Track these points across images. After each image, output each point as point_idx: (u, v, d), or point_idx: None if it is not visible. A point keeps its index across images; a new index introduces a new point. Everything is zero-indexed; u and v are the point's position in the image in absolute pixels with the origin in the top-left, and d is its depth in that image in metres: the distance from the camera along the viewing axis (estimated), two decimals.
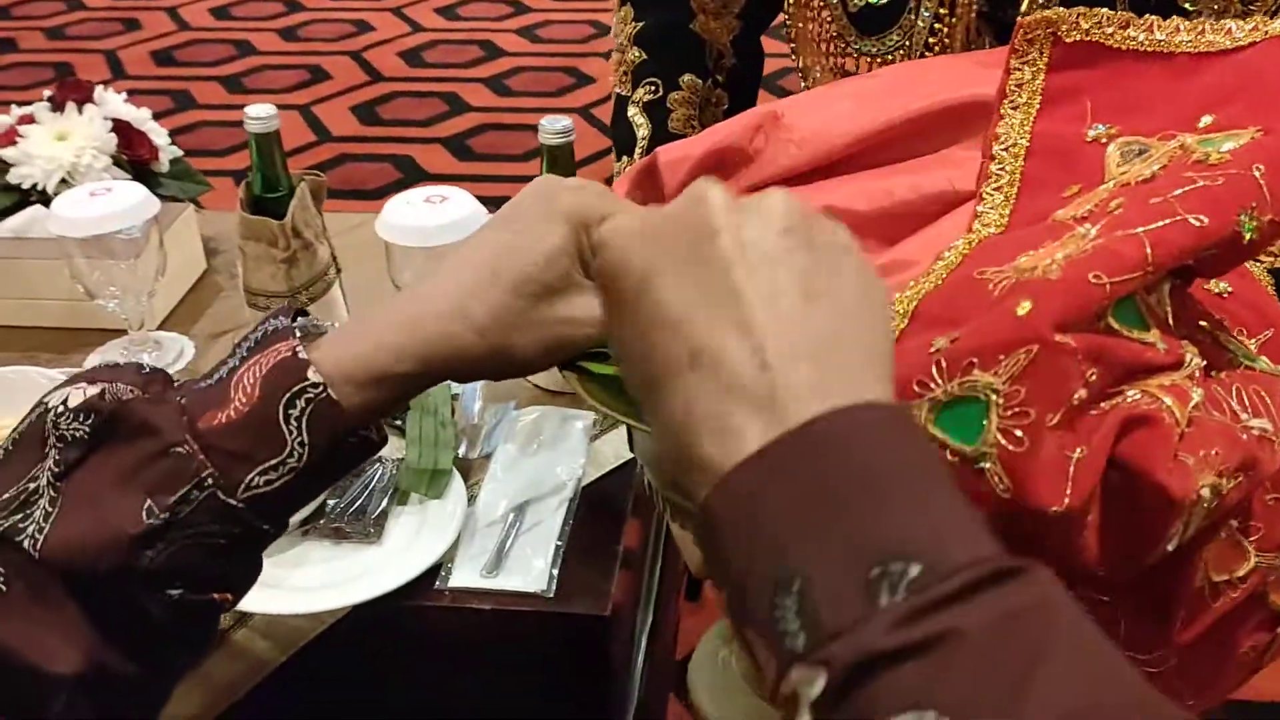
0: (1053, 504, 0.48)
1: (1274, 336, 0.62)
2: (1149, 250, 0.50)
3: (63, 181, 1.16)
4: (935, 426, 0.48)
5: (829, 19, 0.91)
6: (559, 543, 0.85)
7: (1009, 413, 0.47)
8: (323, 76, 3.18)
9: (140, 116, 1.24)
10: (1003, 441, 0.47)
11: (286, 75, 3.19)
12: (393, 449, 0.93)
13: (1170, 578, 0.53)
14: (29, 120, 1.20)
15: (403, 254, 0.94)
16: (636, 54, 1.02)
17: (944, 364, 0.48)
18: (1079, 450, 0.48)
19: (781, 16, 0.99)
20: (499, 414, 0.98)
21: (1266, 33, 0.61)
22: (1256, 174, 0.53)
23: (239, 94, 3.06)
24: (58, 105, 1.20)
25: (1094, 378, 0.49)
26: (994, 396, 0.47)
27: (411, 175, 2.64)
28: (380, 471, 0.91)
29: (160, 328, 1.13)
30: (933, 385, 0.48)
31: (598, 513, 0.89)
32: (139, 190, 1.04)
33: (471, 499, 0.89)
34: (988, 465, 0.47)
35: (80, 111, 1.20)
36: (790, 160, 0.68)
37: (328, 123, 2.89)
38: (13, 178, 1.18)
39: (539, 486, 0.90)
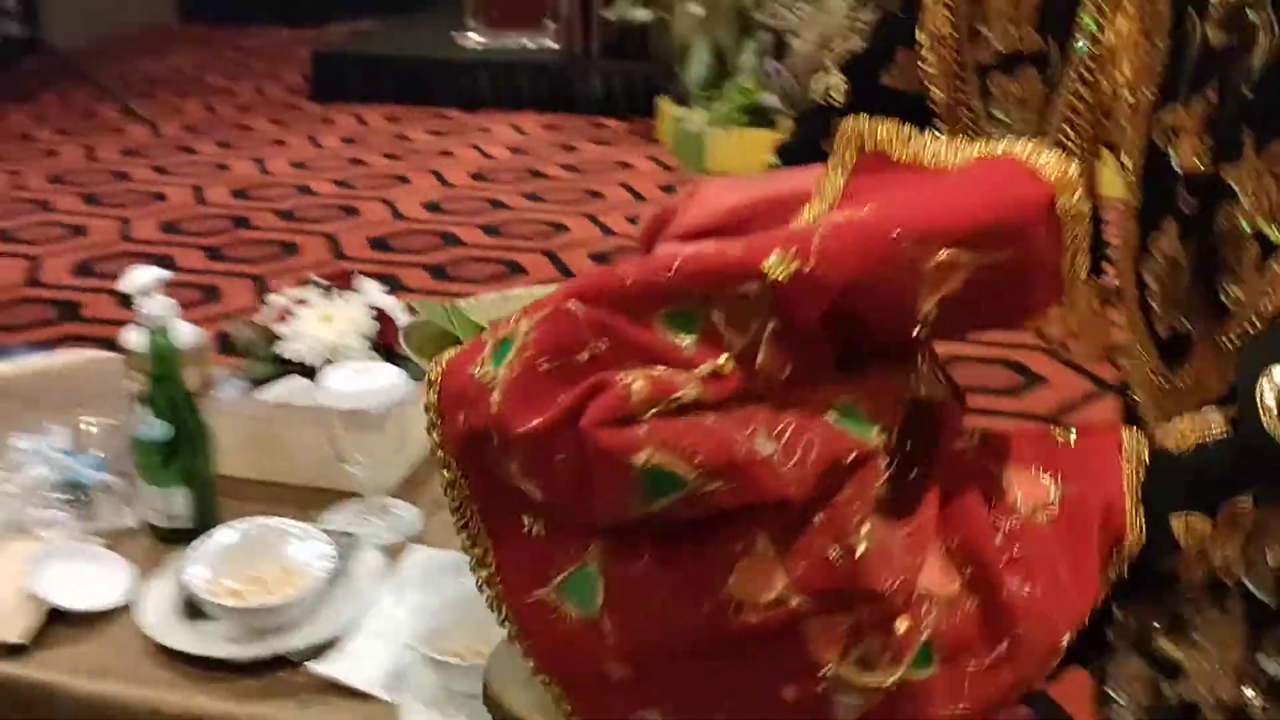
0: (517, 426, 0.59)
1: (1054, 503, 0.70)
2: (677, 263, 0.61)
3: (325, 360, 1.32)
4: (490, 362, 0.61)
5: None
6: None
7: (520, 351, 0.59)
8: (519, 271, 3.42)
9: (392, 304, 1.40)
10: (507, 371, 0.59)
11: (486, 267, 3.45)
12: None
13: (684, 567, 0.60)
14: (302, 303, 1.38)
15: None
16: (773, 161, 1.07)
17: (520, 316, 0.62)
18: (563, 395, 0.58)
19: None
20: None
21: (983, 153, 0.71)
22: (818, 232, 0.62)
23: (443, 281, 3.32)
24: (327, 291, 1.38)
25: (602, 348, 0.60)
26: (519, 338, 0.60)
27: None
28: None
29: (392, 495, 1.25)
30: (499, 329, 0.62)
31: None
32: (395, 372, 1.18)
33: None
34: (495, 387, 0.59)
35: (345, 297, 1.37)
36: (682, 226, 0.85)
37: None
38: (281, 350, 1.35)
39: None
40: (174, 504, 1.16)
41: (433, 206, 3.96)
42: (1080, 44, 0.88)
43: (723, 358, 0.61)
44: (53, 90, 5.30)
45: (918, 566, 0.65)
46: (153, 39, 6.52)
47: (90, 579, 1.09)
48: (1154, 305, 0.85)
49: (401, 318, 1.39)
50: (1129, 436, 0.76)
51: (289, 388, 1.32)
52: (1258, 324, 0.76)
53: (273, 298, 1.42)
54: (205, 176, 4.25)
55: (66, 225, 3.76)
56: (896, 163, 0.75)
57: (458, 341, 0.73)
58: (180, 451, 1.16)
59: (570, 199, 4.04)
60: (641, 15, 4.70)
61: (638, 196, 4.07)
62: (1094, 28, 0.86)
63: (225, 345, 1.44)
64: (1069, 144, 0.90)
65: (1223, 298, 0.79)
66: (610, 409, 0.58)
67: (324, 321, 1.35)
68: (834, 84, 1.05)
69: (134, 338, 1.25)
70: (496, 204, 3.99)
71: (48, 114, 5.01)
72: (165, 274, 1.28)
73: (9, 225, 3.74)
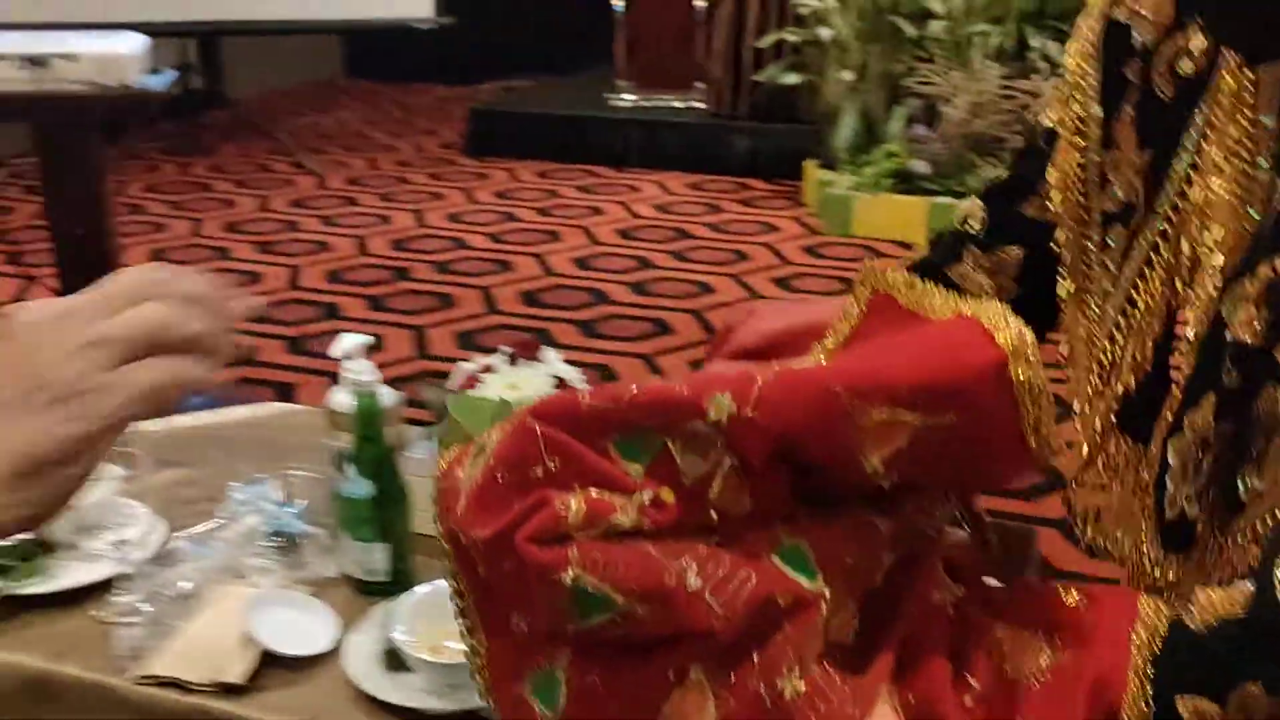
0: (473, 531, 0.62)
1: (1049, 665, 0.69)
2: (630, 394, 0.64)
3: None
4: (468, 466, 0.65)
5: (1100, 317, 0.94)
6: None
7: (485, 460, 0.64)
8: (666, 330, 3.49)
9: (572, 375, 1.47)
10: (474, 477, 0.63)
11: (634, 325, 3.53)
12: None
13: (627, 685, 0.63)
14: (488, 370, 1.46)
15: None
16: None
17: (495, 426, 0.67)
18: (517, 505, 0.62)
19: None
20: None
21: (960, 310, 0.71)
22: (761, 376, 0.64)
23: (593, 338, 3.42)
24: (513, 360, 1.46)
25: (555, 466, 0.63)
26: (487, 447, 0.64)
27: None
28: None
29: None
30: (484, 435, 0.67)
31: None
32: None
33: None
34: (463, 491, 0.63)
35: (530, 366, 1.44)
36: (733, 345, 0.92)
37: (670, 373, 3.17)
38: None
39: None
40: (374, 559, 1.24)
41: (582, 263, 4.08)
42: (1168, 195, 0.84)
43: (664, 489, 0.64)
44: (231, 143, 5.64)
45: (858, 717, 0.64)
46: (321, 94, 6.88)
47: (299, 625, 1.17)
48: (1169, 484, 0.80)
49: (582, 389, 1.46)
50: (1147, 607, 0.72)
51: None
52: (1270, 520, 0.72)
53: (462, 364, 1.50)
54: (368, 228, 4.45)
55: (241, 272, 3.98)
56: (900, 308, 0.75)
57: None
58: (382, 509, 1.25)
59: (716, 259, 4.11)
60: (791, 79, 4.78)
61: (783, 259, 4.12)
62: (1189, 165, 0.83)
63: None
64: (1138, 298, 0.87)
65: (1240, 488, 0.74)
66: (545, 526, 0.62)
67: (509, 389, 1.43)
68: (972, 211, 1.05)
69: (340, 399, 1.34)
70: (644, 262, 4.08)
71: (226, 165, 5.33)
72: (369, 340, 1.37)
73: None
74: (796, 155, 4.82)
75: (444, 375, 1.48)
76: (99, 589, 1.22)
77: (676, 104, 5.39)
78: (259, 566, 1.25)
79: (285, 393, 2.99)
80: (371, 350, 1.36)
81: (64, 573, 1.23)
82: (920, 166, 4.19)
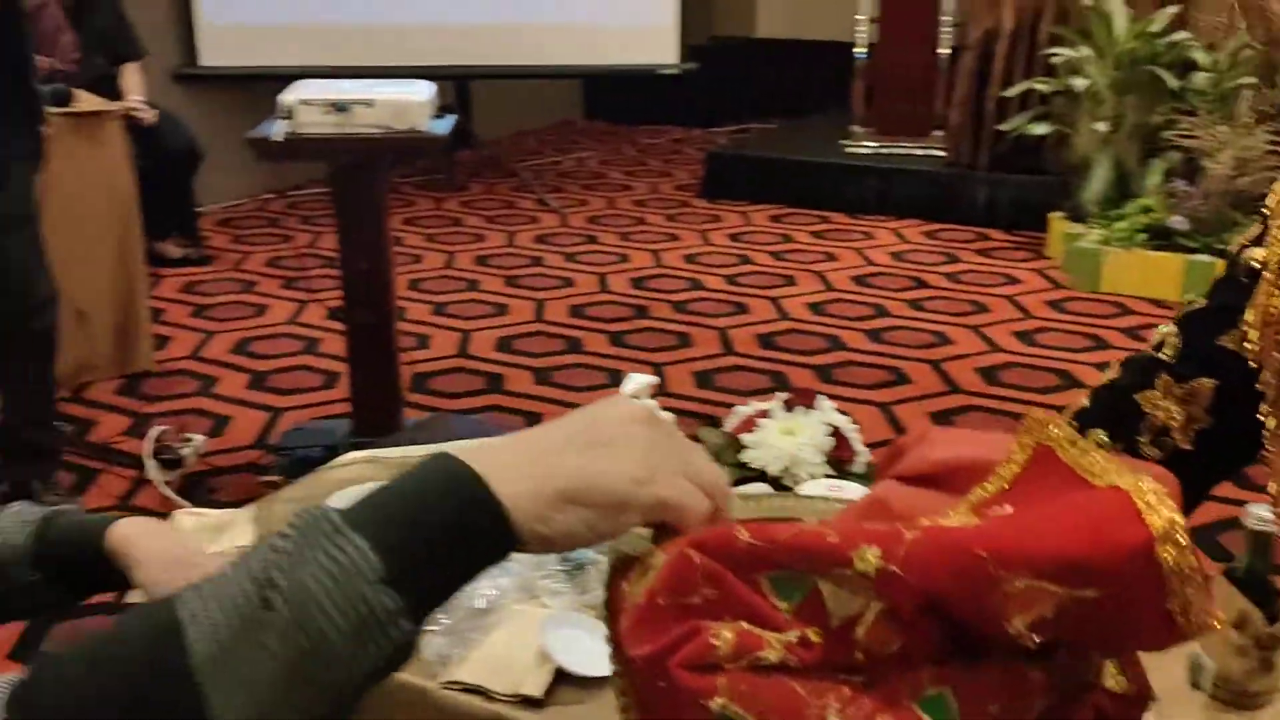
0: (632, 649, 0.65)
1: None
2: (786, 535, 0.65)
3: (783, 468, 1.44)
4: (636, 583, 0.68)
5: None
6: None
7: (649, 583, 0.66)
8: (903, 380, 3.47)
9: (846, 424, 1.50)
10: (638, 597, 0.66)
11: (871, 373, 3.52)
12: None
13: None
14: (764, 415, 1.51)
15: None
16: (1085, 404, 1.04)
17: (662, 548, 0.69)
18: (674, 630, 0.64)
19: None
20: None
21: (1115, 483, 0.68)
22: (909, 533, 0.64)
23: (829, 384, 3.43)
24: (789, 406, 1.50)
25: (712, 595, 0.65)
26: (652, 571, 0.67)
27: None
28: None
29: None
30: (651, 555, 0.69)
31: None
32: (861, 490, 1.27)
33: None
34: (627, 609, 0.66)
35: (805, 413, 1.49)
36: (902, 468, 0.91)
37: (907, 423, 3.15)
38: (744, 457, 1.48)
39: None
40: None
41: (817, 308, 4.10)
42: None
43: (811, 630, 0.67)
44: (479, 180, 5.96)
45: None
46: (561, 135, 7.17)
47: (588, 646, 1.24)
48: None
49: (855, 439, 1.49)
50: None
51: (748, 490, 1.44)
52: None
53: (739, 408, 1.56)
54: (607, 266, 4.62)
55: (490, 304, 4.20)
56: (1061, 463, 0.74)
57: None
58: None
59: (954, 310, 4.05)
60: (1039, 129, 4.67)
61: (1025, 313, 4.02)
62: None
63: None
64: None
65: None
66: (697, 654, 0.65)
67: (785, 434, 1.47)
68: (1167, 338, 1.03)
69: None
70: (880, 310, 4.06)
71: (475, 202, 5.64)
72: (656, 380, 1.44)
73: (444, 300, 4.24)
74: (1038, 206, 4.70)
75: (684, 414, 1.54)
76: None
77: (914, 152, 5.35)
78: (550, 588, 1.33)
79: (533, 421, 3.14)
80: (609, 383, 1.44)
81: None
82: (1178, 222, 4.02)
